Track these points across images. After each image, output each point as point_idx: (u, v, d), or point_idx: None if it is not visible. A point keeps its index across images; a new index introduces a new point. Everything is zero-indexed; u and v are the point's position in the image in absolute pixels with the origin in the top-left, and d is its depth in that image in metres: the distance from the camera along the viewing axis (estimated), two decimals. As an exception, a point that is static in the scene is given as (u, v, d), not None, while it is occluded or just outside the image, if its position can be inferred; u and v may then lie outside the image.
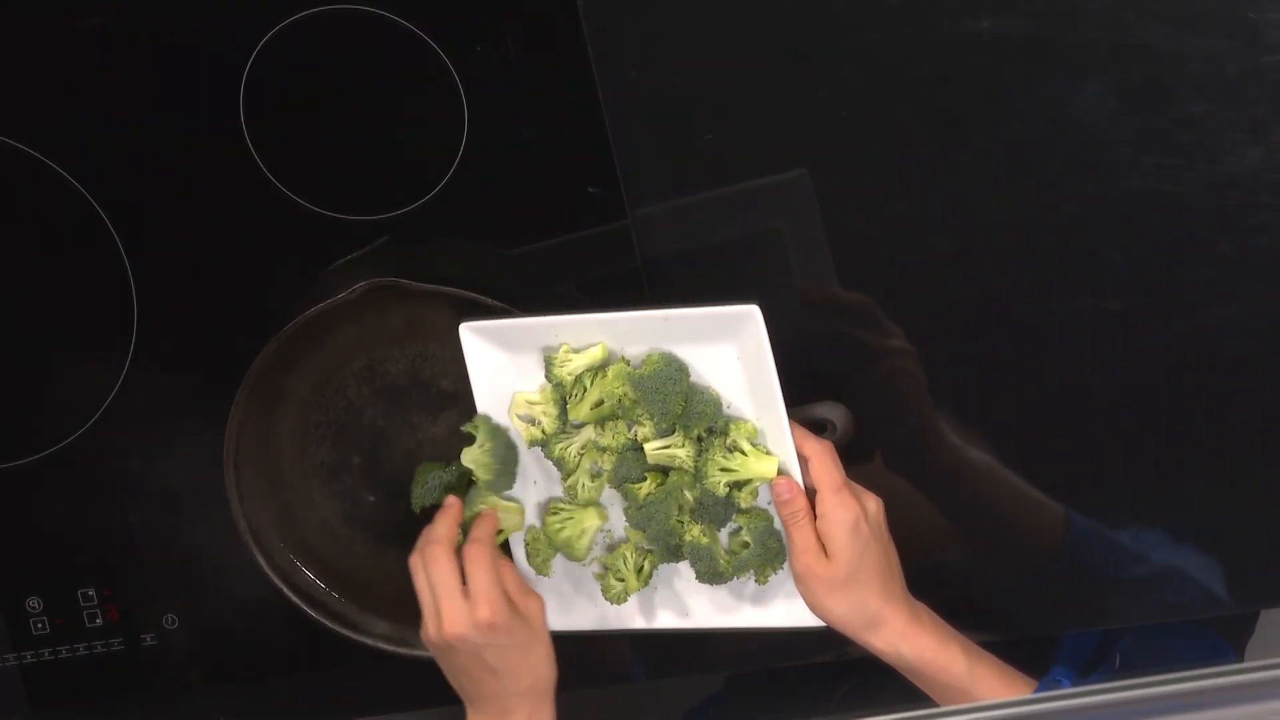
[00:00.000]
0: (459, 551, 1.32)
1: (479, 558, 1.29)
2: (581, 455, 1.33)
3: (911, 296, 1.35)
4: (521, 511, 1.38)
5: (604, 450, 1.32)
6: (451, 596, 1.28)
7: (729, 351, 1.29)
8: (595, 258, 1.37)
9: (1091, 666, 1.41)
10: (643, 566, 1.34)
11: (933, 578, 1.35)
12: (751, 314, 1.25)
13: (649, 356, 1.29)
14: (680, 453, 1.30)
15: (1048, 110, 1.28)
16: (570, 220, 1.36)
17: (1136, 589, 1.36)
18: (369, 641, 1.44)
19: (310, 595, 1.45)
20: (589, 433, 1.32)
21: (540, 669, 1.32)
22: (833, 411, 1.35)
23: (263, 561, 1.43)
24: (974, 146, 1.30)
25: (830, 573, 1.28)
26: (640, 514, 1.31)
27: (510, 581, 1.32)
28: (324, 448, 1.45)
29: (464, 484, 1.38)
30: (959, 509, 1.39)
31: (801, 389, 1.32)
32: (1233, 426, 1.34)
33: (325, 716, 1.54)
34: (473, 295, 1.34)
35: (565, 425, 1.33)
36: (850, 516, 1.27)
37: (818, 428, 1.33)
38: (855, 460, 1.33)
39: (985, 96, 1.28)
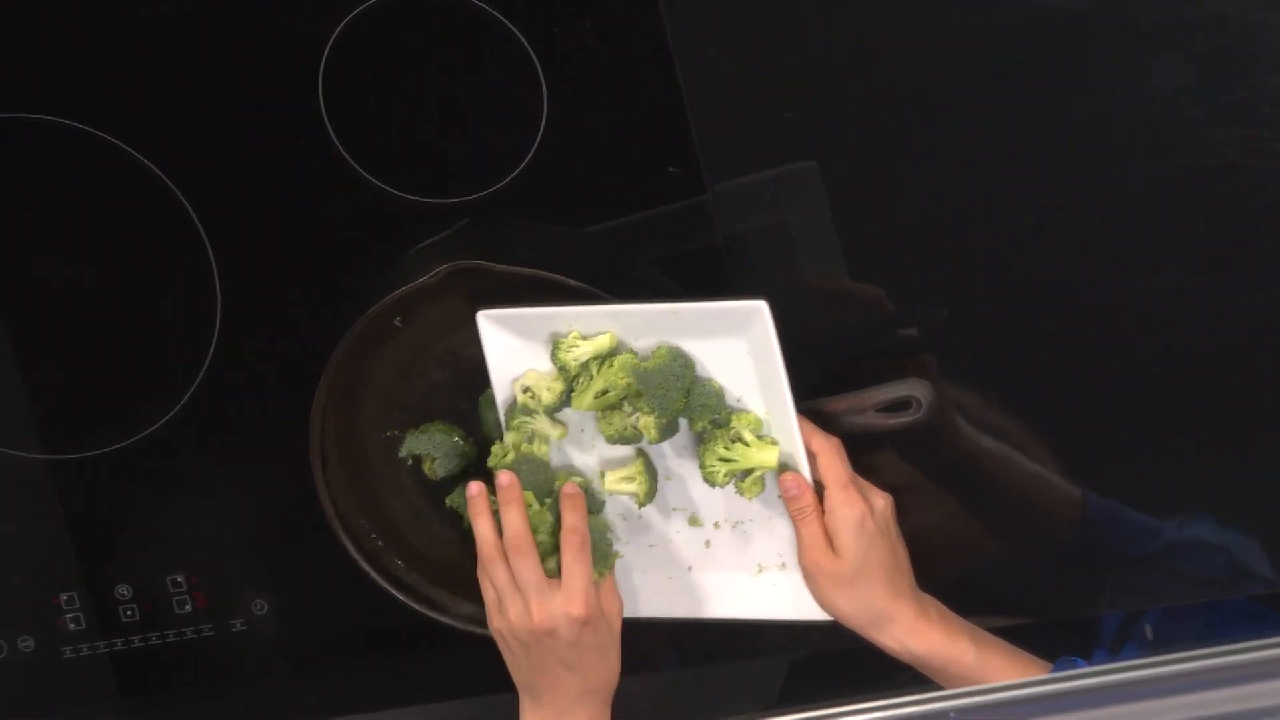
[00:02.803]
0: (553, 541, 1.33)
1: (580, 549, 1.31)
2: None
3: (969, 277, 1.35)
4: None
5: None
6: (542, 590, 1.30)
7: (738, 346, 1.31)
8: (676, 237, 1.37)
9: (1120, 641, 1.44)
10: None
11: (951, 567, 1.40)
12: (759, 309, 1.26)
13: (656, 350, 1.31)
14: (634, 487, 1.35)
15: (1120, 86, 1.28)
16: (650, 200, 1.36)
17: (1157, 563, 1.38)
18: (457, 624, 1.46)
19: (397, 579, 1.48)
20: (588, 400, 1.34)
21: (612, 671, 1.35)
22: (916, 388, 1.36)
23: (350, 546, 1.46)
24: (1044, 125, 1.30)
25: (837, 569, 1.31)
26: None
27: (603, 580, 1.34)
28: (408, 432, 1.45)
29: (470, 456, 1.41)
30: (975, 498, 1.40)
31: (826, 383, 1.36)
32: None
33: (415, 700, 1.56)
34: (554, 277, 1.36)
35: (565, 402, 1.36)
36: (856, 513, 1.30)
37: (900, 406, 1.36)
38: (870, 450, 1.35)
39: (1057, 73, 1.29)
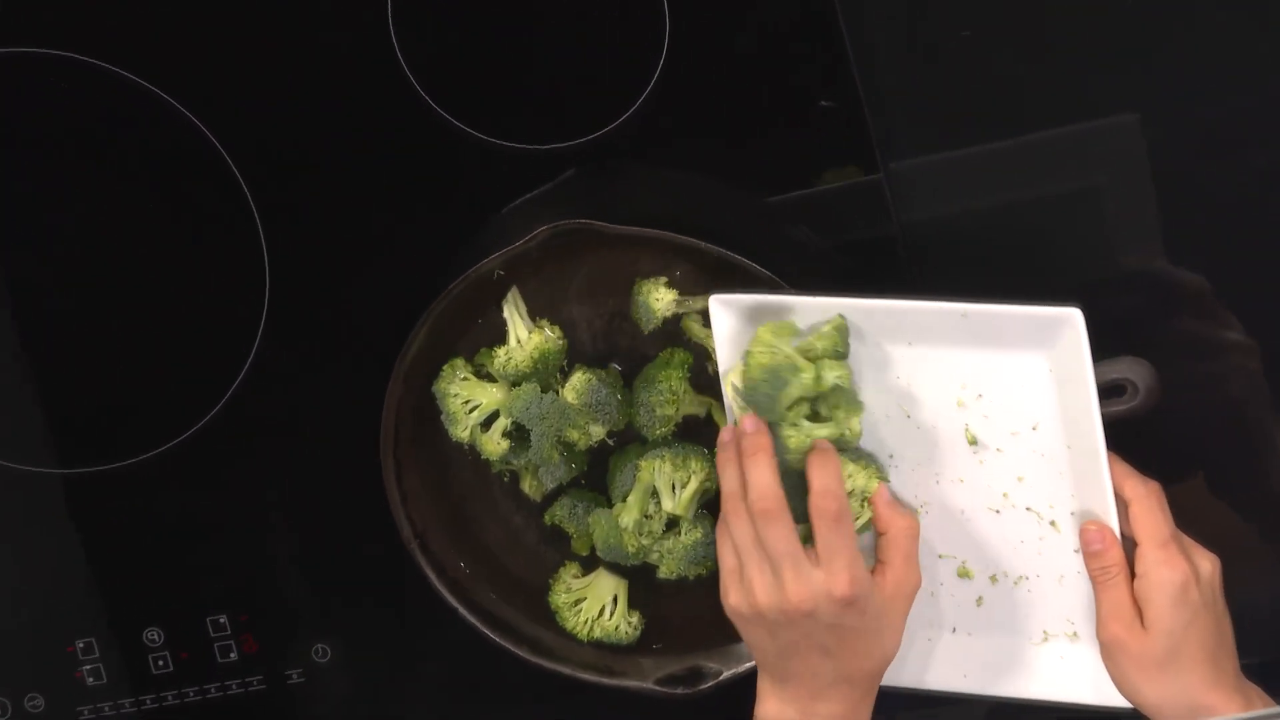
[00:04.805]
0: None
1: (838, 519, 1.26)
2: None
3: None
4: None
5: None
6: (799, 563, 1.25)
7: (1037, 363, 1.27)
8: (832, 187, 1.35)
9: None
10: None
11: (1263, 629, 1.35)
12: (1070, 319, 1.22)
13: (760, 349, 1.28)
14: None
15: None
16: (798, 142, 1.34)
17: None
18: (567, 670, 1.43)
19: (493, 615, 1.45)
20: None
21: (885, 654, 1.30)
22: (1133, 369, 1.30)
23: (432, 575, 1.42)
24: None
25: (1145, 647, 1.25)
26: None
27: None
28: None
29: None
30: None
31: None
32: None
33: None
34: (683, 239, 1.33)
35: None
36: (1177, 578, 1.24)
37: (1113, 391, 1.29)
38: (1168, 475, 1.30)
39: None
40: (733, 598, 1.29)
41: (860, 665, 1.29)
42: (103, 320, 1.44)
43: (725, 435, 1.31)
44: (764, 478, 1.26)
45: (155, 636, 1.49)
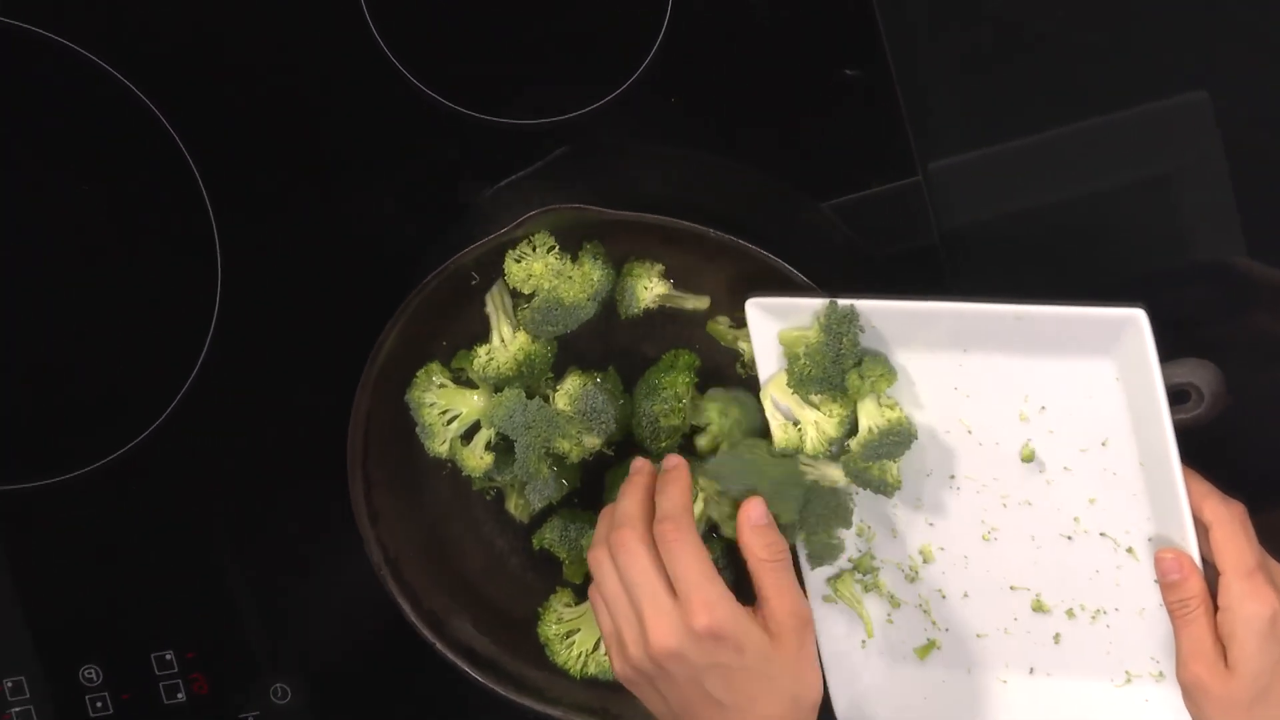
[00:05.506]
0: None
1: (679, 539, 1.24)
2: None
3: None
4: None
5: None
6: (657, 598, 1.23)
7: (1103, 369, 1.25)
8: (853, 166, 1.32)
9: None
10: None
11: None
12: (1132, 321, 1.20)
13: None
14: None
15: None
16: (818, 113, 1.31)
17: None
18: (558, 713, 1.40)
19: (474, 651, 1.42)
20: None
21: (795, 700, 1.26)
22: (1197, 373, 1.26)
23: (405, 606, 1.39)
24: None
25: (1229, 690, 1.22)
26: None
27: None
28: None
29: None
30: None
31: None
32: None
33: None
34: (687, 224, 1.28)
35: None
36: (1265, 612, 1.21)
37: (1174, 397, 1.25)
38: (1250, 494, 1.26)
39: None
40: (616, 664, 1.28)
41: (765, 713, 1.25)
42: (31, 318, 1.42)
43: (637, 463, 1.31)
44: (629, 508, 1.27)
45: (93, 675, 1.46)
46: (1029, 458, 1.28)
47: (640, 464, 1.30)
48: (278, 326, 1.40)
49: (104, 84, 1.33)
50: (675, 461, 1.30)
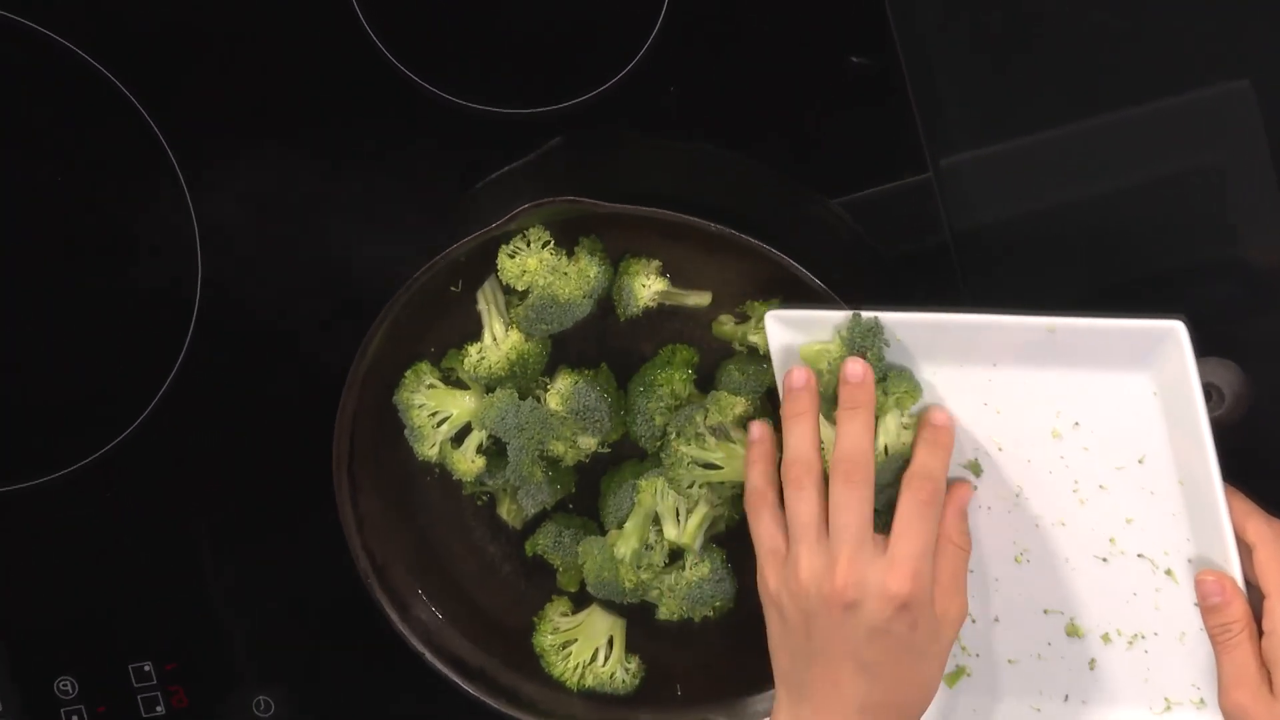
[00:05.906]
0: None
1: (928, 504, 1.22)
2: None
3: None
4: None
5: None
6: (863, 545, 1.20)
7: (1140, 384, 1.24)
8: (861, 161, 1.30)
9: None
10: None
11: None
12: (1170, 334, 1.19)
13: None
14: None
15: None
16: (823, 105, 1.29)
17: None
18: None
19: (465, 662, 1.41)
20: None
21: (923, 689, 1.25)
22: (1218, 373, 1.27)
23: (393, 615, 1.38)
24: None
25: (1275, 718, 1.20)
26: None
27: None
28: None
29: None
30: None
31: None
32: None
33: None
34: (687, 218, 1.26)
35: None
36: None
37: None
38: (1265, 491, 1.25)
39: None
40: (773, 581, 1.23)
41: (896, 696, 1.23)
42: (2, 314, 1.41)
43: (798, 379, 1.26)
44: (858, 439, 1.22)
45: (68, 688, 1.46)
46: (1062, 476, 1.27)
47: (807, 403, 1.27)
48: (260, 324, 1.38)
49: (84, 76, 1.33)
50: (943, 420, 1.27)
